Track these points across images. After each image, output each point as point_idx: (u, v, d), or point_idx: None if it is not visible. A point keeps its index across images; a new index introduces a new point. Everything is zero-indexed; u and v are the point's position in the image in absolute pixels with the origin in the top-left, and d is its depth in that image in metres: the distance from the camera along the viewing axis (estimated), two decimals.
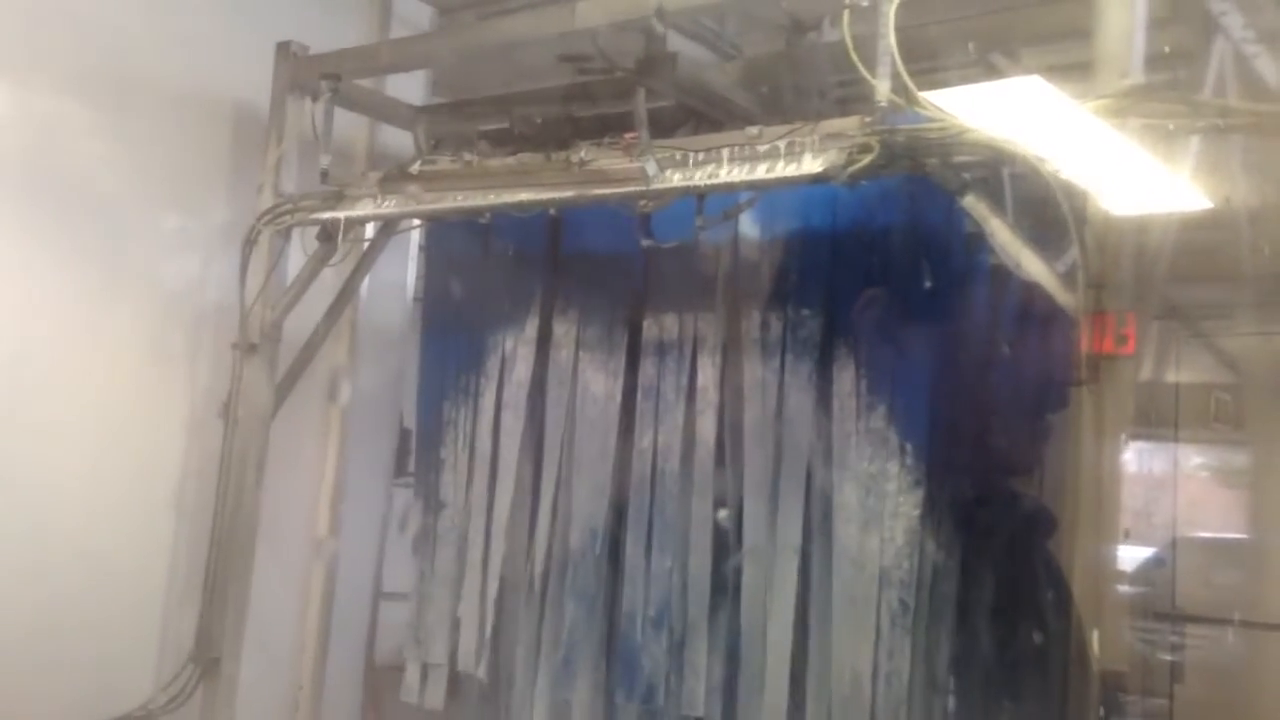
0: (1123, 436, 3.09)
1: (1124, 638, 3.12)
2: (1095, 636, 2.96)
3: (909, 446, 3.86)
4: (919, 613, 3.81)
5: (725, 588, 4.22)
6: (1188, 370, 5.94)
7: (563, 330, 4.76)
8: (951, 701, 3.88)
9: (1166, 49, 3.39)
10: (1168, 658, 5.63)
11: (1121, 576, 3.23)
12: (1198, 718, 5.51)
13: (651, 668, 4.28)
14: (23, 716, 4.30)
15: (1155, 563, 5.88)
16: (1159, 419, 5.89)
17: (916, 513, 3.82)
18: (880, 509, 3.87)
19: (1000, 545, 3.95)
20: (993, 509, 3.98)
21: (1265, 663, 5.57)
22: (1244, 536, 6.09)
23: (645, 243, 3.82)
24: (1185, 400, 5.98)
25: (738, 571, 4.18)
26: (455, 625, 4.92)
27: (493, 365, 4.94)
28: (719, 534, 4.25)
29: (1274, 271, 4.48)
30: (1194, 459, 6.26)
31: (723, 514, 4.22)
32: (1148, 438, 5.87)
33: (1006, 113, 2.95)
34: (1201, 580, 5.90)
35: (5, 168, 4.37)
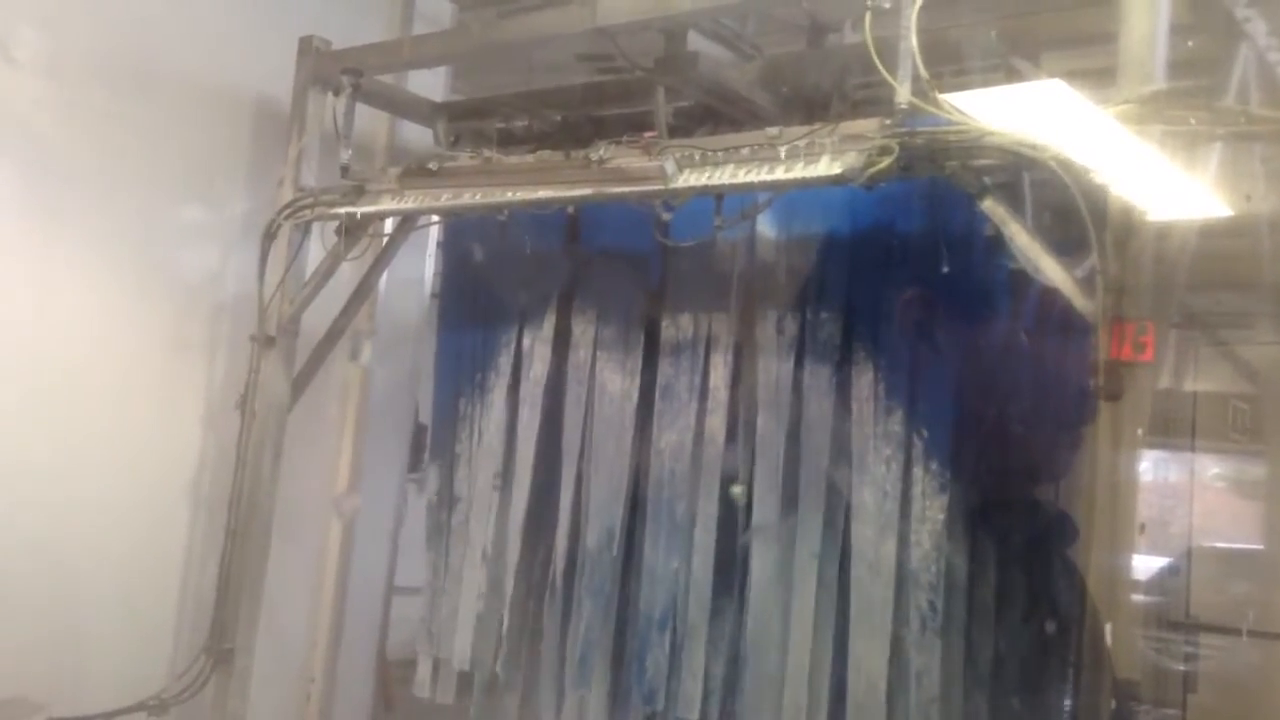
0: (1139, 445, 3.08)
1: (1137, 646, 3.10)
2: (1109, 630, 2.94)
3: (933, 451, 3.84)
4: (948, 616, 3.79)
5: (730, 590, 4.21)
6: (1206, 379, 5.91)
7: (580, 328, 4.75)
8: (977, 704, 3.85)
9: (1190, 42, 3.37)
10: (1181, 667, 5.60)
11: (1136, 585, 3.20)
12: None
13: (653, 669, 4.28)
14: (38, 703, 4.33)
15: (1170, 572, 5.85)
16: (1176, 428, 5.86)
17: (942, 517, 3.80)
18: (901, 513, 3.85)
19: (1021, 551, 3.92)
20: (1014, 515, 3.96)
21: (1278, 673, 5.54)
22: (1260, 547, 6.05)
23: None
24: (1203, 410, 5.94)
25: (747, 573, 4.17)
26: (468, 621, 4.92)
27: (508, 362, 4.94)
28: (725, 535, 4.24)
29: None
30: (1211, 469, 6.22)
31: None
32: (1165, 446, 5.84)
33: (1028, 116, 2.94)
34: (1216, 590, 5.86)
35: (26, 158, 4.40)
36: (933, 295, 3.91)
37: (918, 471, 3.85)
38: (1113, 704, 2.95)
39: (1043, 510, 4.05)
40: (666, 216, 3.77)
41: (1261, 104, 3.48)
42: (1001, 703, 3.93)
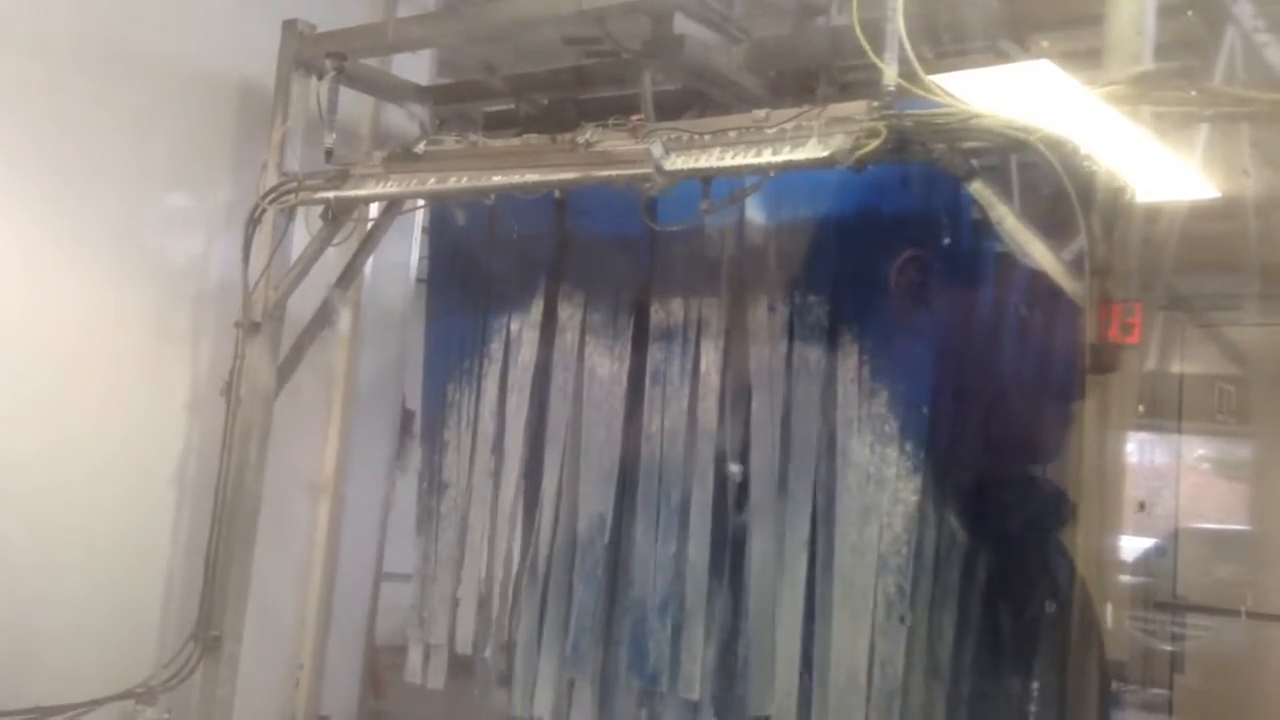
0: (1127, 426, 3.08)
1: (1125, 627, 3.12)
2: (1109, 612, 2.95)
3: (909, 433, 3.85)
4: (918, 599, 3.79)
5: (722, 573, 4.22)
6: (1193, 361, 5.93)
7: (568, 313, 4.74)
8: (953, 688, 3.86)
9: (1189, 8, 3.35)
10: (1168, 648, 5.63)
11: (1123, 566, 3.21)
12: (1198, 707, 5.50)
13: (654, 652, 4.28)
14: (25, 692, 4.32)
15: (1157, 553, 5.87)
16: (1163, 410, 5.88)
17: (915, 499, 3.81)
18: (880, 496, 3.86)
19: (1013, 531, 3.91)
20: (1002, 495, 3.95)
21: (1266, 653, 5.58)
22: (1246, 528, 6.09)
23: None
24: (1190, 391, 5.96)
25: (742, 556, 4.17)
26: (458, 606, 4.92)
27: (497, 348, 4.93)
28: (720, 518, 4.24)
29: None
30: (1197, 450, 6.24)
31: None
32: (1152, 428, 5.86)
33: (1016, 97, 2.93)
34: (1203, 571, 5.89)
35: (7, 144, 4.35)
36: (918, 275, 3.90)
37: (892, 453, 3.86)
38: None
39: (1036, 490, 4.03)
40: (650, 191, 3.70)
41: (1248, 85, 3.48)
42: (983, 686, 3.94)
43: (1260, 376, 5.88)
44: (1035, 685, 3.89)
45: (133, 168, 4.75)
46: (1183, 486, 6.08)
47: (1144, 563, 5.75)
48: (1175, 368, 5.84)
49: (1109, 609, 2.98)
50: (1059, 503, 3.89)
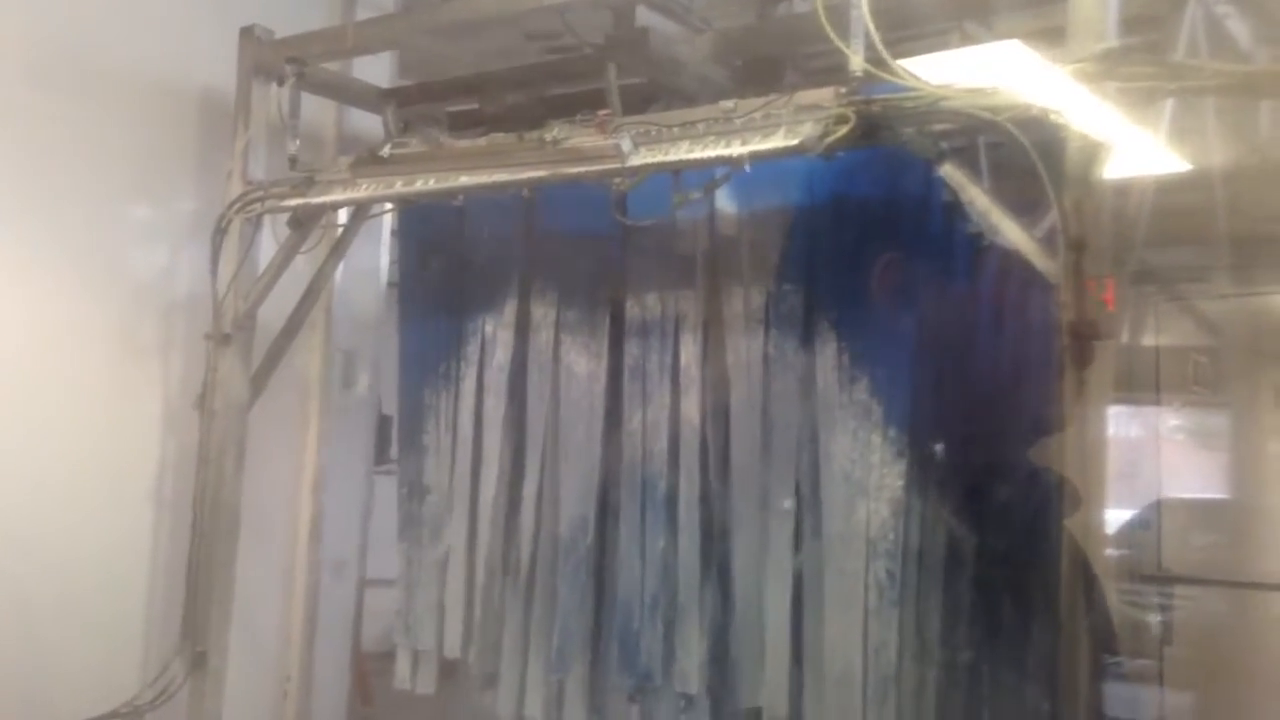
0: (1106, 402, 3.09)
1: (1112, 601, 3.13)
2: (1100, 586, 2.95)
3: (892, 418, 3.84)
4: (906, 584, 3.79)
5: (714, 566, 4.20)
6: (1166, 334, 5.95)
7: (542, 312, 4.71)
8: (943, 674, 3.85)
9: None
10: (1156, 619, 5.65)
11: (1107, 539, 3.22)
12: (1188, 677, 5.53)
13: (646, 649, 4.27)
14: (7, 717, 4.27)
15: (1140, 525, 5.89)
16: (1140, 383, 5.90)
17: (900, 484, 3.80)
18: (865, 482, 3.85)
19: (1015, 516, 3.89)
20: (1007, 480, 3.93)
21: (1253, 622, 5.62)
22: (1226, 496, 6.13)
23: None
24: (1165, 364, 5.99)
25: (728, 550, 4.15)
26: (443, 611, 4.89)
27: (472, 350, 4.89)
28: (708, 513, 4.22)
29: (1249, 233, 4.49)
30: (1173, 421, 6.27)
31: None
32: (1130, 402, 5.88)
33: (984, 78, 2.93)
34: (1186, 541, 5.92)
35: None
36: (893, 262, 3.89)
37: (876, 439, 3.85)
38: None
39: (1038, 476, 3.99)
40: (620, 186, 3.68)
41: (1211, 58, 3.49)
42: (983, 667, 3.94)
43: (1232, 346, 5.91)
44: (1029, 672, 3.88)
45: (93, 181, 4.69)
46: (1162, 459, 6.11)
47: (1127, 535, 5.77)
48: (1149, 341, 5.86)
49: (1099, 583, 2.99)
50: (1055, 485, 3.87)
